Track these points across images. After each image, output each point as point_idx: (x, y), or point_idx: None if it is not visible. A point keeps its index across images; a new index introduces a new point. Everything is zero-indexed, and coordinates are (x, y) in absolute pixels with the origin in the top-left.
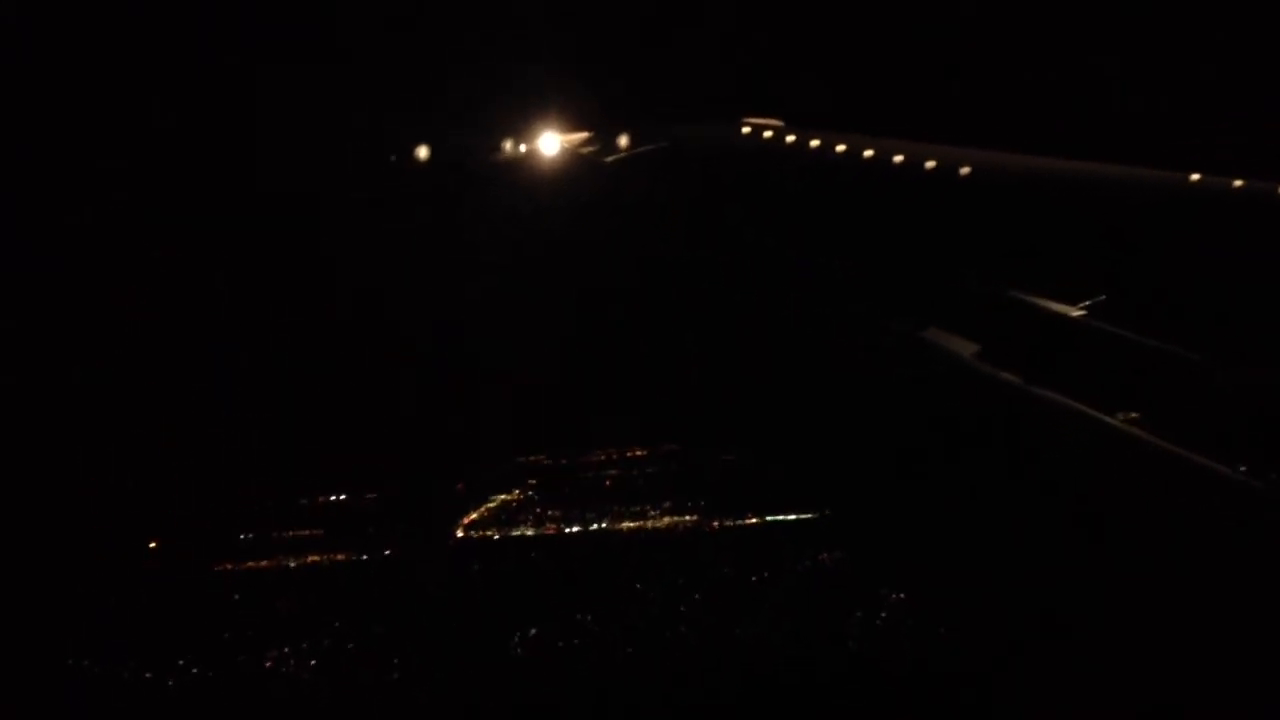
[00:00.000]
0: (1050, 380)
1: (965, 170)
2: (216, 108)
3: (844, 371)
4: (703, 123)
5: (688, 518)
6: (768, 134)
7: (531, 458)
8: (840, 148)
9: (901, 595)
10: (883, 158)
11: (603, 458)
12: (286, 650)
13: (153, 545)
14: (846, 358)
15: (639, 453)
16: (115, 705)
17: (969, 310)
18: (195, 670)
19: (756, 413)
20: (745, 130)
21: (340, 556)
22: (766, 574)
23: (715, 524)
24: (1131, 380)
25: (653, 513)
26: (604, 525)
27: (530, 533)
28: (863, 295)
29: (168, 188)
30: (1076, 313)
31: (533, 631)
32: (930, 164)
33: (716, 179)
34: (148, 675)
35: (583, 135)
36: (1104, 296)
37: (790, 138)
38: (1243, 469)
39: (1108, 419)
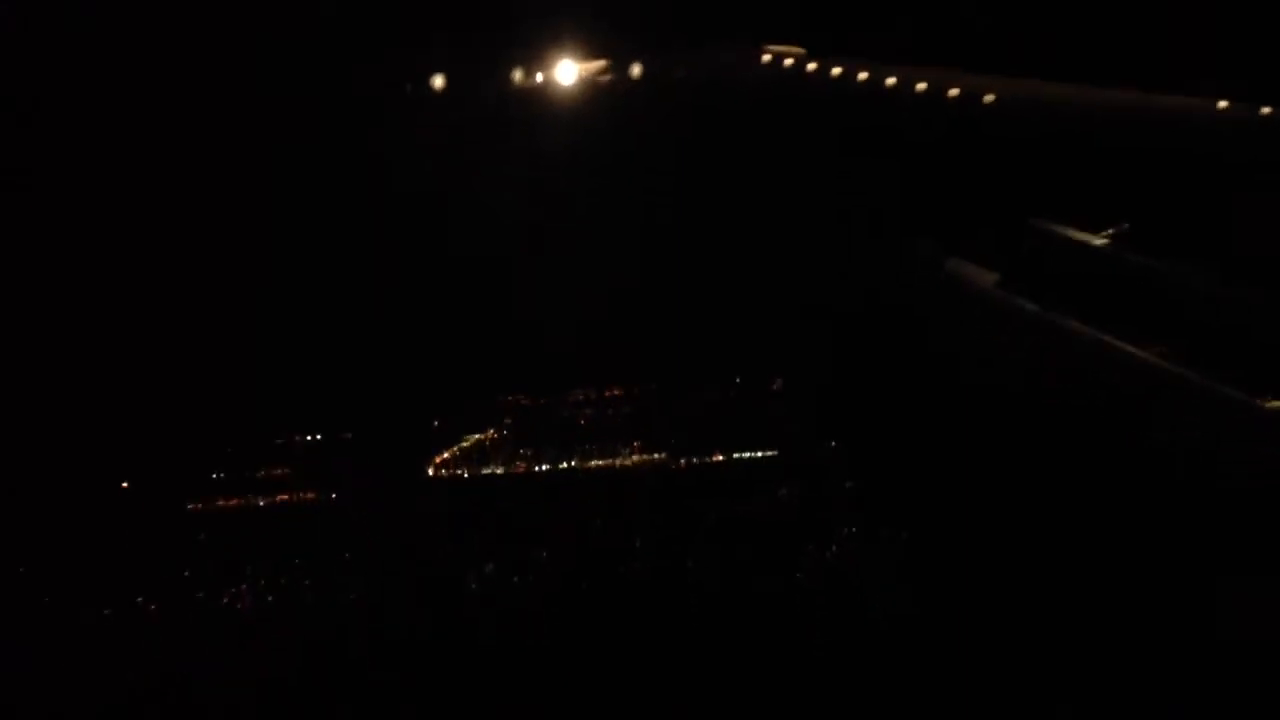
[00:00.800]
0: (1070, 308)
1: (989, 98)
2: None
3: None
4: (723, 50)
5: (657, 455)
6: (789, 61)
7: (510, 397)
8: (862, 75)
9: (895, 534)
10: (904, 86)
11: (581, 397)
12: (256, 588)
13: (124, 485)
14: (865, 285)
15: (616, 392)
16: (86, 644)
17: (990, 238)
18: (165, 609)
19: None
20: (766, 58)
21: (310, 495)
22: (737, 512)
23: (684, 462)
24: (1154, 308)
25: (625, 452)
26: (574, 464)
27: (500, 471)
28: (883, 224)
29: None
30: (1099, 241)
31: (496, 568)
32: (953, 91)
33: (735, 105)
34: (117, 613)
35: (599, 64)
36: (1127, 225)
37: (811, 65)
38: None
39: (1129, 346)
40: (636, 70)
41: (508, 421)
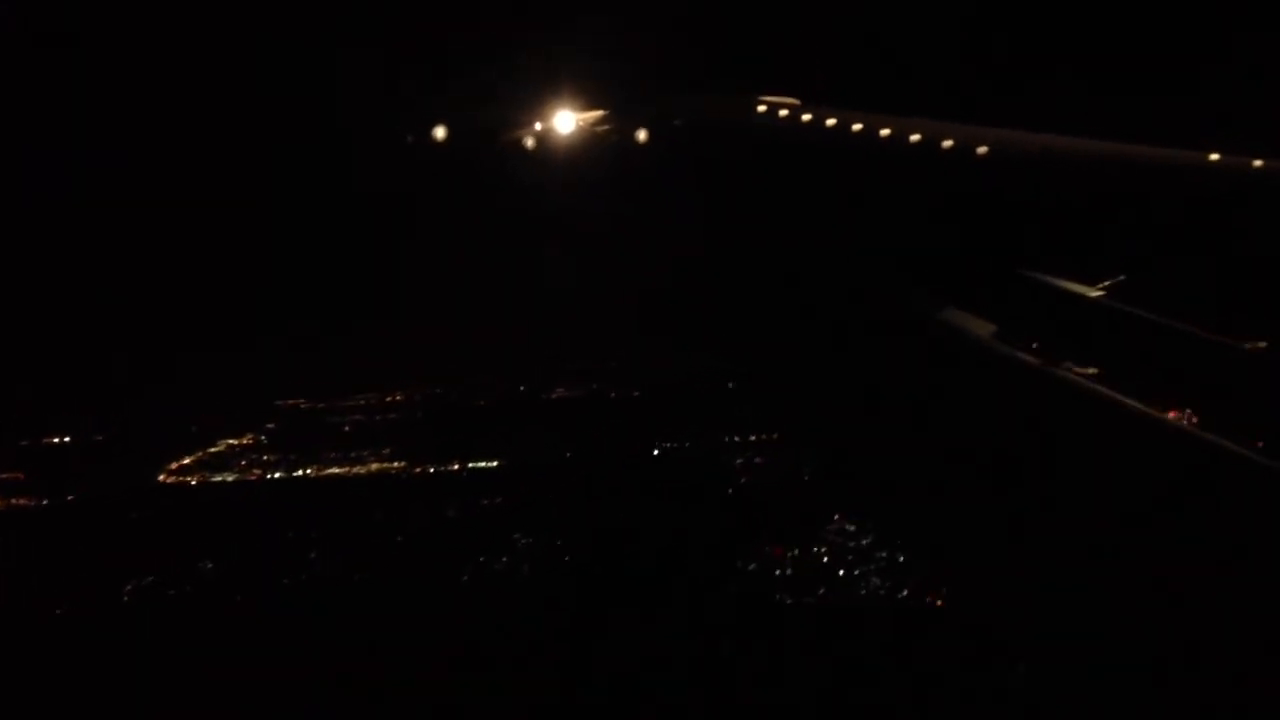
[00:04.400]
0: (1068, 361)
1: (983, 150)
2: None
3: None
4: (718, 100)
5: (395, 464)
6: (783, 112)
7: (290, 401)
8: (856, 126)
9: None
10: (899, 137)
11: (361, 402)
12: None
13: None
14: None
15: (397, 397)
16: None
17: (987, 291)
18: None
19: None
20: (761, 108)
21: (44, 500)
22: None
23: (431, 470)
24: (1150, 362)
25: (366, 460)
26: (307, 473)
27: (230, 479)
28: (880, 275)
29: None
30: (1095, 293)
31: (200, 576)
32: (948, 143)
33: (732, 157)
34: None
35: (597, 114)
36: (1123, 277)
37: (806, 116)
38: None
39: (1125, 400)
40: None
41: (269, 426)
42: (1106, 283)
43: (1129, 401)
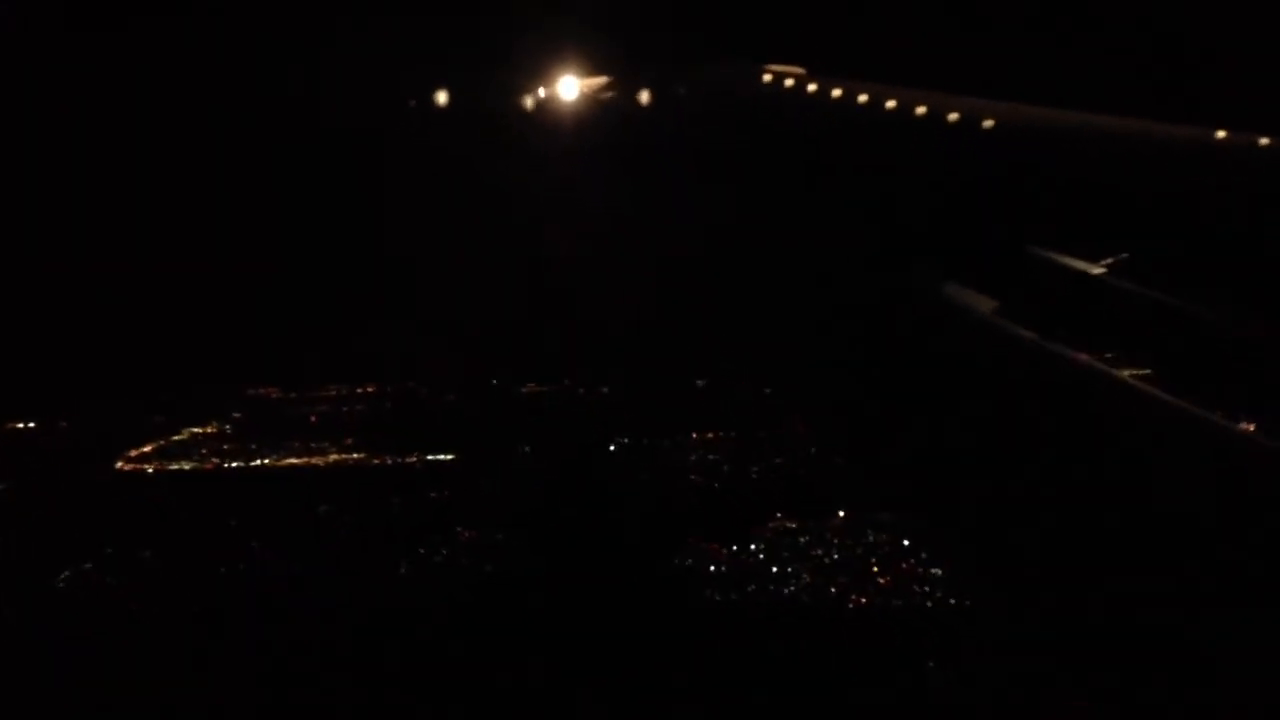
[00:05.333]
0: (1068, 338)
1: (989, 123)
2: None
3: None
4: (725, 68)
5: (354, 456)
6: (789, 81)
7: (261, 390)
8: (862, 98)
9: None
10: (904, 108)
11: (332, 392)
12: None
13: None
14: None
15: (369, 389)
16: None
17: (990, 266)
18: None
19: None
20: (767, 77)
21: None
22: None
23: (390, 461)
24: (1151, 340)
25: (327, 450)
26: (265, 463)
27: (186, 467)
28: (880, 248)
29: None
30: (1097, 270)
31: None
32: (953, 116)
33: (737, 123)
34: None
35: (602, 80)
36: (1126, 255)
37: (812, 86)
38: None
39: (1125, 378)
40: (637, 86)
41: (236, 415)
42: (1109, 260)
43: (1129, 380)
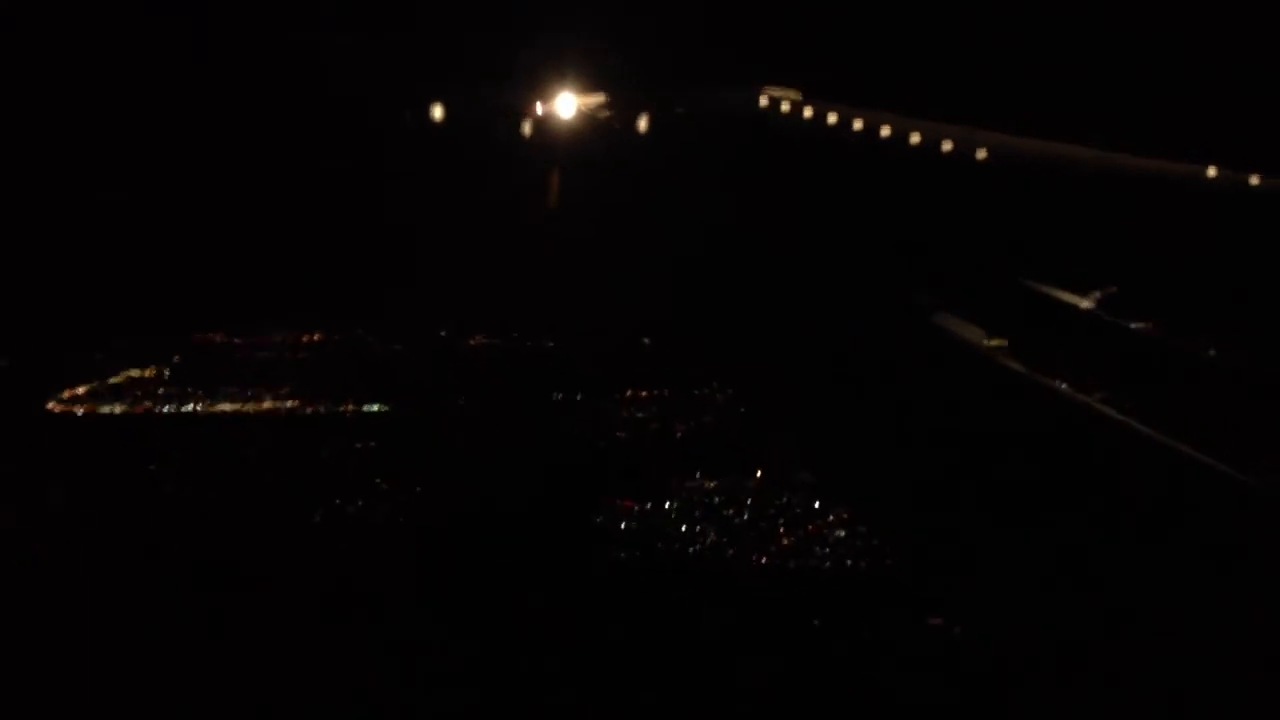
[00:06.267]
0: (1056, 368)
1: (982, 154)
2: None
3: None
4: (724, 91)
5: (288, 404)
6: (785, 105)
7: (206, 334)
8: (857, 124)
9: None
10: (899, 136)
11: (277, 340)
12: None
13: None
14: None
15: (316, 337)
16: None
17: (980, 295)
18: None
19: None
20: (764, 100)
21: None
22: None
23: (321, 410)
24: (1137, 373)
25: (264, 397)
26: (197, 409)
27: (116, 410)
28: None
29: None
30: (1087, 304)
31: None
32: (947, 146)
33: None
34: None
35: (599, 98)
36: (1115, 289)
37: (808, 111)
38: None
39: (1109, 410)
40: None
41: (175, 359)
42: (1098, 293)
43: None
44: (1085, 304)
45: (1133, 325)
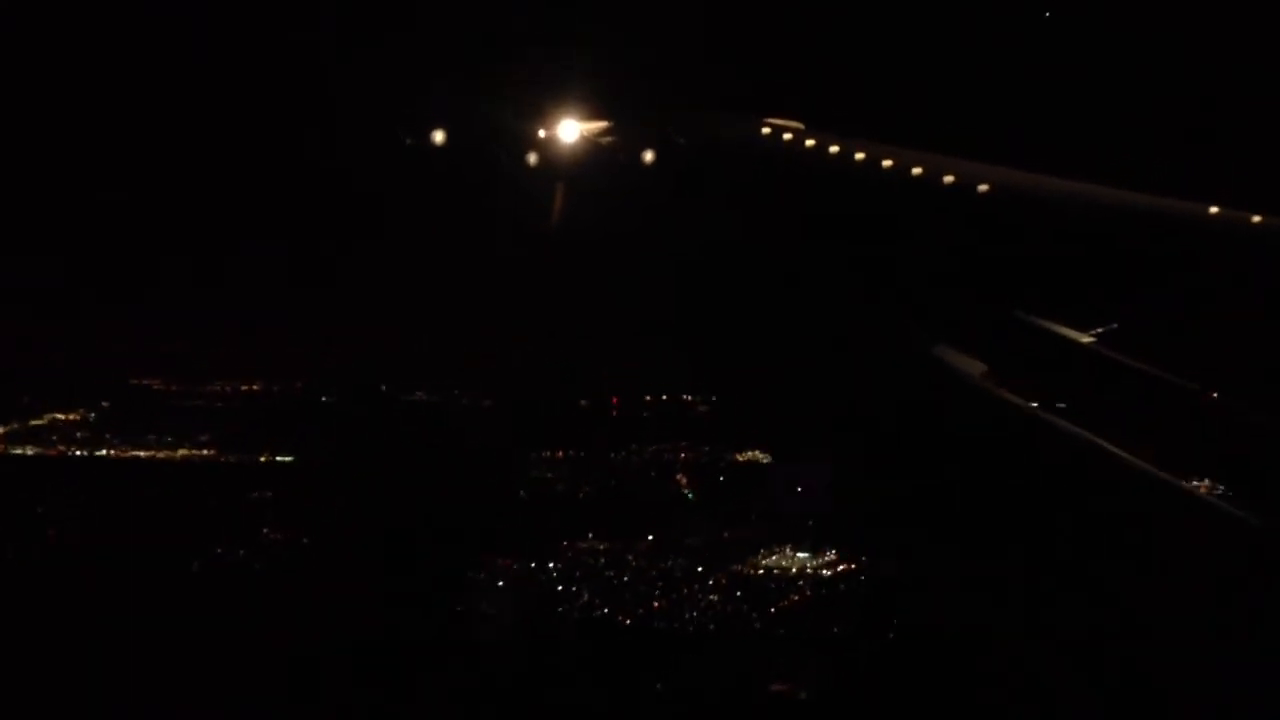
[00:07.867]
0: (1057, 405)
1: (984, 188)
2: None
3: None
4: (724, 121)
5: (205, 454)
6: (787, 136)
7: (143, 380)
8: (859, 156)
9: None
10: (901, 168)
11: (217, 388)
12: None
13: None
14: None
15: (255, 386)
16: None
17: (980, 329)
18: None
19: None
20: (766, 130)
21: None
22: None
23: (236, 459)
24: (1139, 411)
25: (178, 447)
26: (112, 454)
27: (29, 453)
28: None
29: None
30: (1087, 339)
31: None
32: (949, 178)
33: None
34: None
35: (601, 125)
36: (1115, 325)
37: (810, 142)
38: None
39: (1113, 449)
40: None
41: (104, 404)
42: (1099, 329)
43: (1110, 448)
44: (1085, 340)
45: (1128, 361)
